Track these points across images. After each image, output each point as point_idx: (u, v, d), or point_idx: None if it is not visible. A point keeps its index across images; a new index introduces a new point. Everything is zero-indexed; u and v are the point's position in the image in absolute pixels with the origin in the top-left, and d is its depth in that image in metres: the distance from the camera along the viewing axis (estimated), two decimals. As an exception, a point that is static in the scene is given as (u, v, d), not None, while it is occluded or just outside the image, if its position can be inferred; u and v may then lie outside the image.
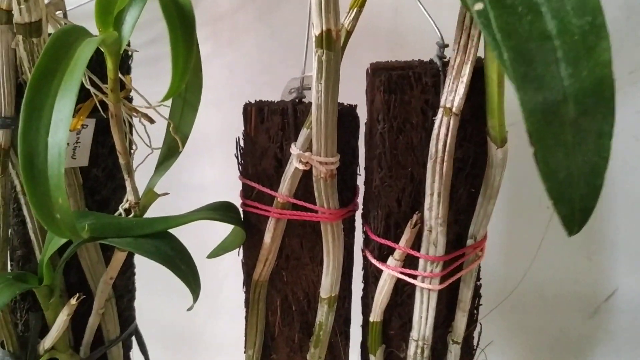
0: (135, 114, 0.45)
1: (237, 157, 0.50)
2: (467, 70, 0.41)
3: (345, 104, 0.50)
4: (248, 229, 0.51)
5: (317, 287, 0.51)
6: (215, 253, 0.51)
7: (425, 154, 0.44)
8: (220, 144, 0.62)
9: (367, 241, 0.50)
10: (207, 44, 0.74)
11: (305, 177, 0.47)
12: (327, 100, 0.42)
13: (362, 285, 0.53)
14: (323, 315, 0.50)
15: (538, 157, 0.30)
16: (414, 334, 0.49)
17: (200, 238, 0.51)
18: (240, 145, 0.50)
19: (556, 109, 0.29)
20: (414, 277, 0.47)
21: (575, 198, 0.32)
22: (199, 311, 0.86)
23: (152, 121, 0.46)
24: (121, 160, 0.43)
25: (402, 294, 0.49)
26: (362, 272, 0.52)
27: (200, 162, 0.76)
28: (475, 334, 0.55)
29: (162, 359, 0.63)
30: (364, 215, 0.51)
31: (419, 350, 0.49)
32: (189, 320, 0.86)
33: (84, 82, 0.39)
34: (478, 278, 0.51)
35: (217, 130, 0.68)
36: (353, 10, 0.44)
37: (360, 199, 0.51)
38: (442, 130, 0.42)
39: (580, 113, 0.30)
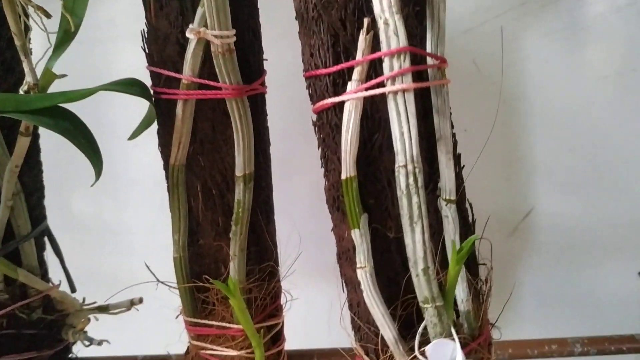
0: (29, 4, 0.47)
1: (143, 49, 0.53)
2: None
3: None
4: (160, 116, 0.53)
5: (234, 169, 0.52)
6: (135, 133, 0.53)
7: None
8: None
9: (315, 90, 0.46)
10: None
11: (209, 60, 0.49)
12: (213, -28, 0.44)
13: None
14: (240, 192, 0.52)
15: None
16: (399, 159, 0.42)
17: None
18: (144, 36, 0.52)
19: None
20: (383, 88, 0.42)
21: None
22: (134, 252, 0.87)
23: (48, 15, 0.48)
24: (17, 42, 0.45)
25: (372, 147, 0.45)
26: (320, 156, 0.48)
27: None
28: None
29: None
30: (306, 68, 0.47)
31: (411, 179, 0.42)
32: (124, 259, 0.88)
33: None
34: (452, 124, 0.48)
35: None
36: None
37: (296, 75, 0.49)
38: None
39: None
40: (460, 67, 0.84)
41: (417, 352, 0.43)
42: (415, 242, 0.42)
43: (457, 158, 0.48)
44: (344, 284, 0.49)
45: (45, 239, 0.60)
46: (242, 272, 0.54)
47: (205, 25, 0.48)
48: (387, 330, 0.44)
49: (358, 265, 0.44)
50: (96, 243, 0.89)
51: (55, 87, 0.49)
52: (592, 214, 0.93)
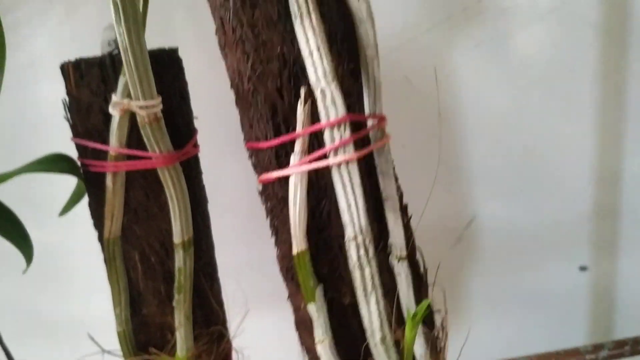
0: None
1: (67, 120, 0.50)
2: None
3: (167, 48, 0.51)
4: (90, 188, 0.50)
5: (172, 234, 0.51)
6: (66, 209, 0.50)
7: (289, 30, 0.41)
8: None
9: (259, 162, 0.44)
10: (46, 13, 0.73)
11: (137, 126, 0.47)
12: (132, 42, 0.42)
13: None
14: (180, 260, 0.50)
15: None
16: (349, 232, 0.41)
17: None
18: (66, 106, 0.50)
19: None
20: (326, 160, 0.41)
21: None
22: (74, 296, 0.84)
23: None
24: None
25: (320, 215, 0.43)
26: (269, 225, 0.47)
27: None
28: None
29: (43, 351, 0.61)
30: (247, 138, 0.45)
31: (362, 252, 0.41)
32: (65, 306, 0.84)
33: None
34: (397, 179, 0.47)
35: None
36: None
37: (236, 135, 0.47)
38: None
39: None
40: (393, 83, 0.85)
41: None
42: (370, 312, 0.42)
43: (404, 210, 0.48)
44: (305, 352, 0.48)
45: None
46: (190, 339, 0.52)
47: (129, 95, 0.45)
48: None
49: (317, 339, 0.43)
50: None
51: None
52: (531, 215, 0.95)
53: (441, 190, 0.88)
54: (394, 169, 0.46)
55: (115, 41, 0.49)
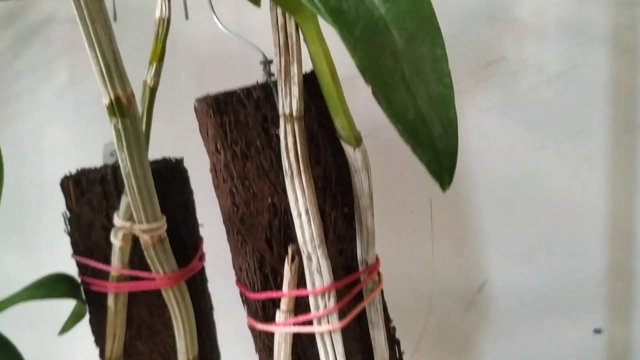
0: None
1: (67, 234, 0.48)
2: (295, 70, 0.38)
3: (172, 158, 0.50)
4: (91, 306, 0.48)
5: (177, 350, 0.49)
6: (65, 329, 0.48)
7: (281, 178, 0.39)
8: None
9: (248, 306, 0.43)
10: (47, 83, 0.72)
11: (139, 245, 0.45)
12: (135, 167, 0.40)
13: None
14: (186, 379, 0.49)
15: (379, 98, 0.28)
16: None
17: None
18: (67, 221, 0.48)
19: (380, 38, 0.28)
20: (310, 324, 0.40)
21: (434, 138, 0.29)
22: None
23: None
24: None
25: None
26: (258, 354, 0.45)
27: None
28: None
29: None
30: (237, 277, 0.44)
31: None
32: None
33: None
34: (388, 318, 0.46)
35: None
36: (153, 66, 0.44)
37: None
38: (290, 140, 0.38)
39: (407, 40, 0.29)
40: (401, 147, 0.83)
41: None
42: None
43: (397, 343, 0.47)
44: None
45: None
46: None
47: (132, 216, 0.43)
48: None
49: None
50: None
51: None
52: (544, 277, 0.93)
53: (451, 255, 0.86)
54: (384, 314, 0.45)
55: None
